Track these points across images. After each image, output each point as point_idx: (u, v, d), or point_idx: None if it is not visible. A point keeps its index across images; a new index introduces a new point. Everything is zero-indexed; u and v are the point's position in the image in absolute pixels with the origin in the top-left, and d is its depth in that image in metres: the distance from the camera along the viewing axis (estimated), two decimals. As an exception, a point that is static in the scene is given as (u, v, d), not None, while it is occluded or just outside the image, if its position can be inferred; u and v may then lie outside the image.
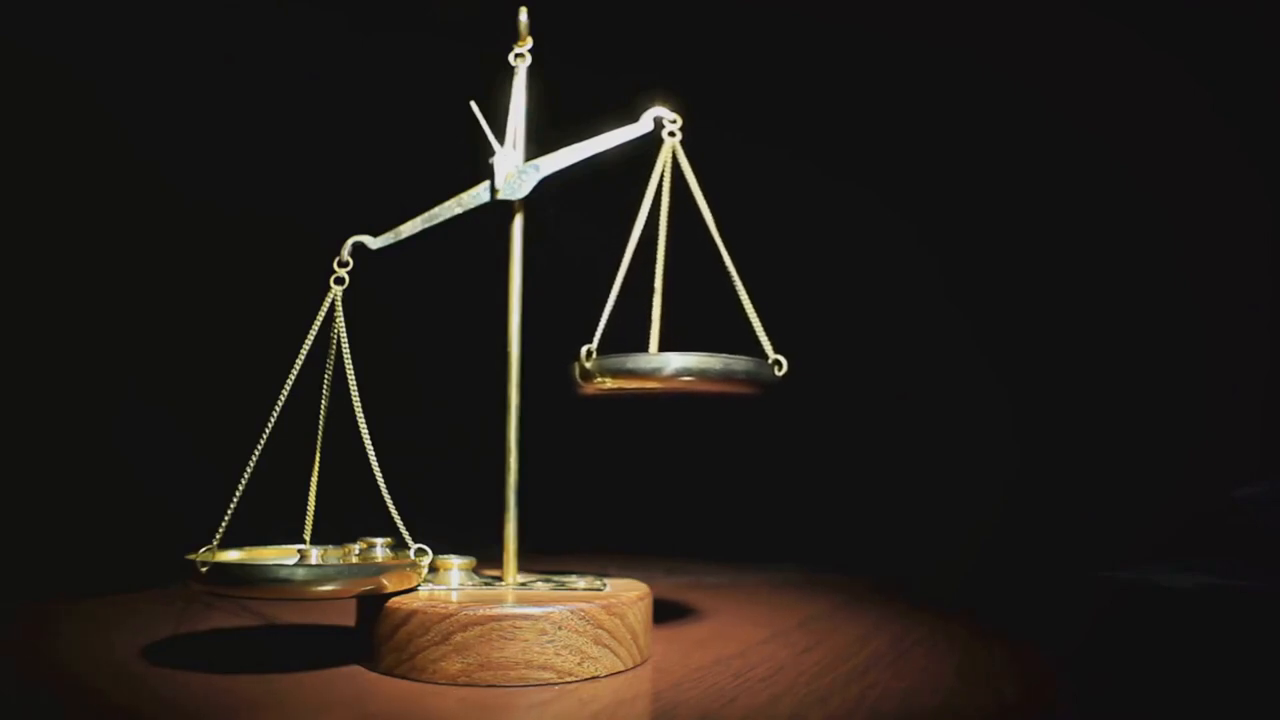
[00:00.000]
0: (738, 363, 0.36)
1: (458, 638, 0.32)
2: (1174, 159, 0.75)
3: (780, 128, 0.85)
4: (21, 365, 0.66)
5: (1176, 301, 0.76)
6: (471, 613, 0.32)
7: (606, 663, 0.33)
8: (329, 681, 0.32)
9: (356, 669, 0.34)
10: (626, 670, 0.34)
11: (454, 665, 0.32)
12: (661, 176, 0.40)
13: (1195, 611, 0.50)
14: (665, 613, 0.45)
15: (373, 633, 0.33)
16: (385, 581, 0.33)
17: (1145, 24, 0.74)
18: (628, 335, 0.42)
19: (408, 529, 0.36)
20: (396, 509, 0.35)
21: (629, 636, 0.34)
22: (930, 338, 0.83)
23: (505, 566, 0.37)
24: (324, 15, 0.76)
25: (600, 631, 0.33)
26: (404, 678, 0.32)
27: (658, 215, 0.41)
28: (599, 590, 0.36)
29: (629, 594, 0.35)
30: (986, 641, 0.42)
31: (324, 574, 0.32)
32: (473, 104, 0.38)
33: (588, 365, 0.37)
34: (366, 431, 0.36)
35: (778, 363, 0.38)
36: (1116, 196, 0.78)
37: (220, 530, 0.35)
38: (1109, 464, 0.76)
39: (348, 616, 0.36)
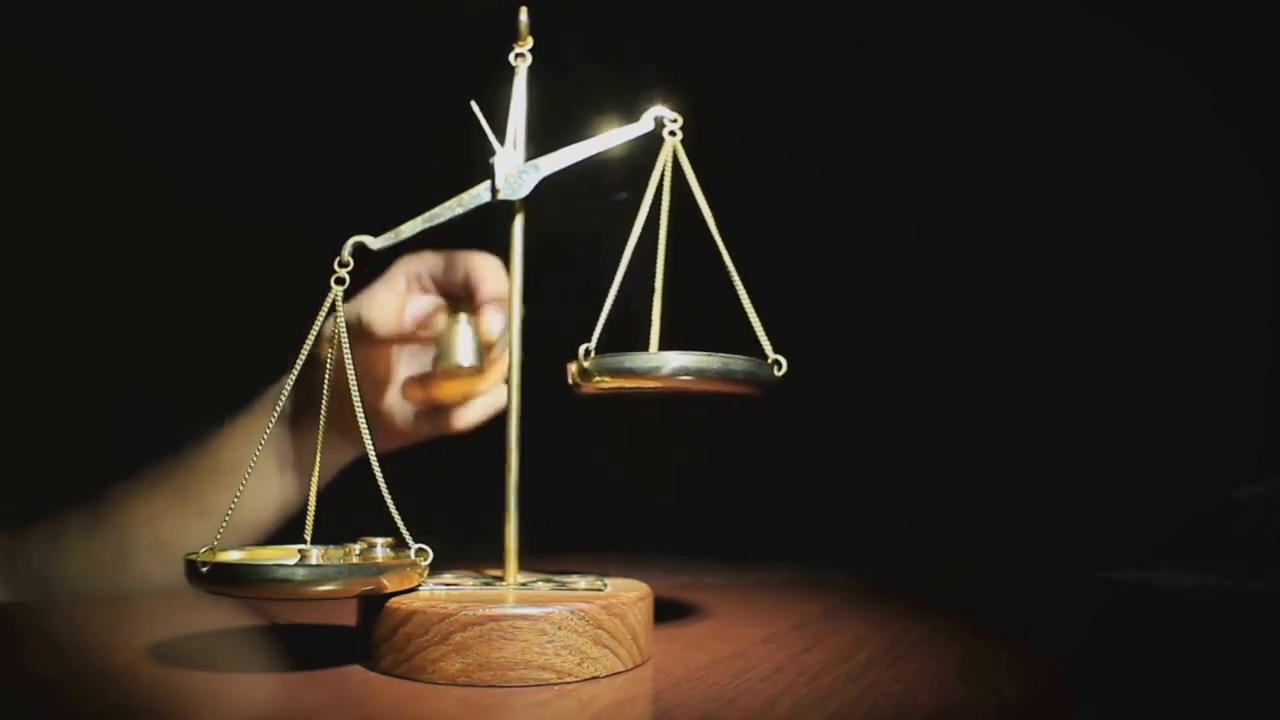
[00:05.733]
0: (736, 362, 0.36)
1: (457, 638, 0.32)
2: (1174, 159, 0.75)
3: (780, 128, 0.85)
4: (21, 365, 0.66)
5: (1176, 301, 0.76)
6: (471, 613, 0.32)
7: (606, 663, 0.33)
8: (329, 681, 0.32)
9: (356, 669, 0.34)
10: (626, 670, 0.34)
11: (453, 665, 0.32)
12: (662, 176, 0.40)
13: (1195, 611, 0.50)
14: (665, 613, 0.45)
15: (372, 633, 0.33)
16: (385, 581, 0.33)
17: (1145, 24, 0.74)
18: (628, 335, 0.42)
19: (408, 529, 0.36)
20: (397, 509, 0.35)
21: (629, 637, 0.34)
22: (930, 338, 0.83)
23: (505, 566, 0.37)
24: (324, 15, 0.76)
25: (600, 632, 0.33)
26: (404, 678, 0.32)
27: (658, 215, 0.41)
28: (599, 590, 0.36)
29: (629, 594, 0.35)
30: (986, 641, 0.42)
31: (324, 574, 0.32)
32: (473, 104, 0.38)
33: (586, 365, 0.37)
34: (367, 431, 0.36)
35: (777, 363, 0.38)
36: (1116, 196, 0.78)
37: (220, 530, 0.35)
38: (1109, 464, 0.76)
39: (348, 616, 0.36)
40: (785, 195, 0.85)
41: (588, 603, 0.33)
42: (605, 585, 0.37)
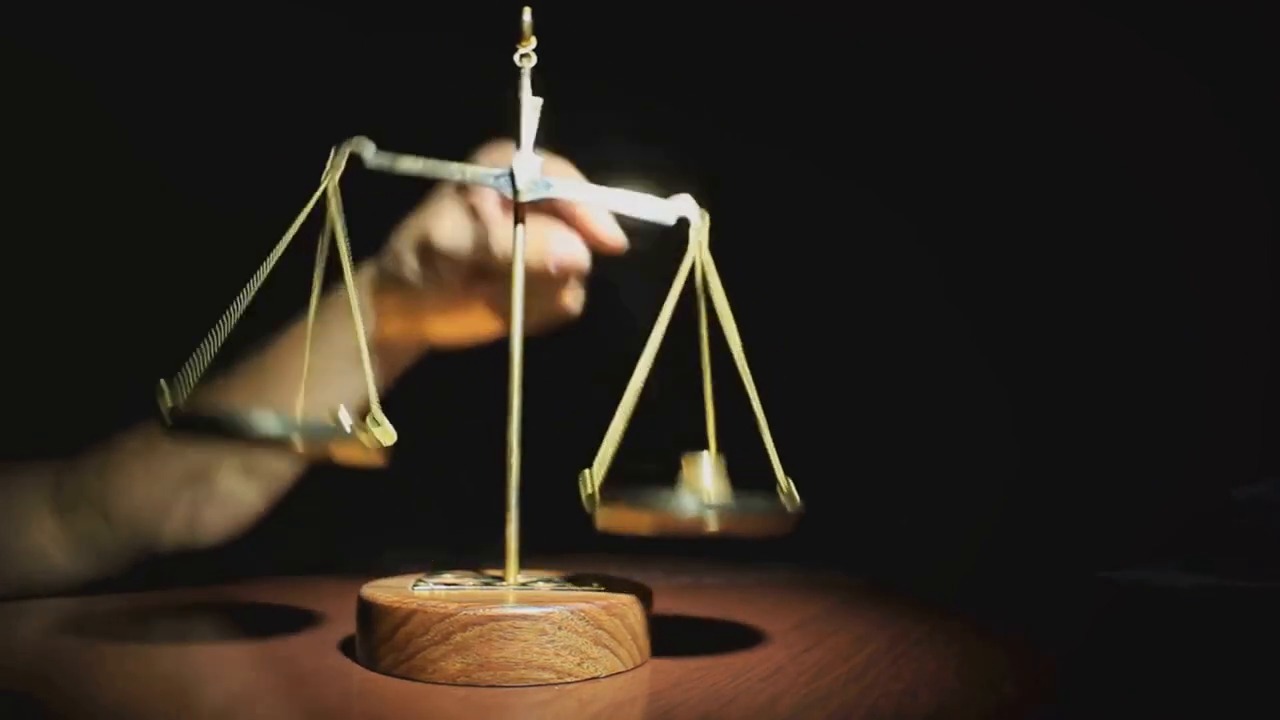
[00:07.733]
0: (762, 503, 0.35)
1: (457, 638, 0.32)
2: (1174, 159, 0.75)
3: (780, 128, 0.85)
4: (20, 366, 0.66)
5: (1176, 301, 0.76)
6: (471, 613, 0.32)
7: (607, 663, 0.33)
8: (329, 681, 0.32)
9: (356, 669, 0.34)
10: (626, 671, 0.34)
11: (454, 665, 0.32)
12: (686, 285, 0.37)
13: (1195, 611, 0.50)
14: (665, 613, 0.45)
15: (372, 633, 0.33)
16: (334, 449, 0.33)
17: (1145, 24, 0.74)
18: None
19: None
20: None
21: (629, 637, 0.34)
22: (930, 338, 0.83)
23: (505, 566, 0.37)
24: (324, 15, 0.76)
25: (600, 632, 0.33)
26: (404, 678, 0.32)
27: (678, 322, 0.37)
28: (599, 590, 0.36)
29: (629, 594, 0.35)
30: (986, 641, 0.42)
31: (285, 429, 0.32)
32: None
33: (594, 494, 0.34)
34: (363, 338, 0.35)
35: (791, 498, 0.36)
36: (1116, 196, 0.78)
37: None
38: (1109, 464, 0.76)
39: (347, 616, 0.36)
40: (785, 195, 0.85)
41: (588, 603, 0.33)
42: (605, 585, 0.37)
